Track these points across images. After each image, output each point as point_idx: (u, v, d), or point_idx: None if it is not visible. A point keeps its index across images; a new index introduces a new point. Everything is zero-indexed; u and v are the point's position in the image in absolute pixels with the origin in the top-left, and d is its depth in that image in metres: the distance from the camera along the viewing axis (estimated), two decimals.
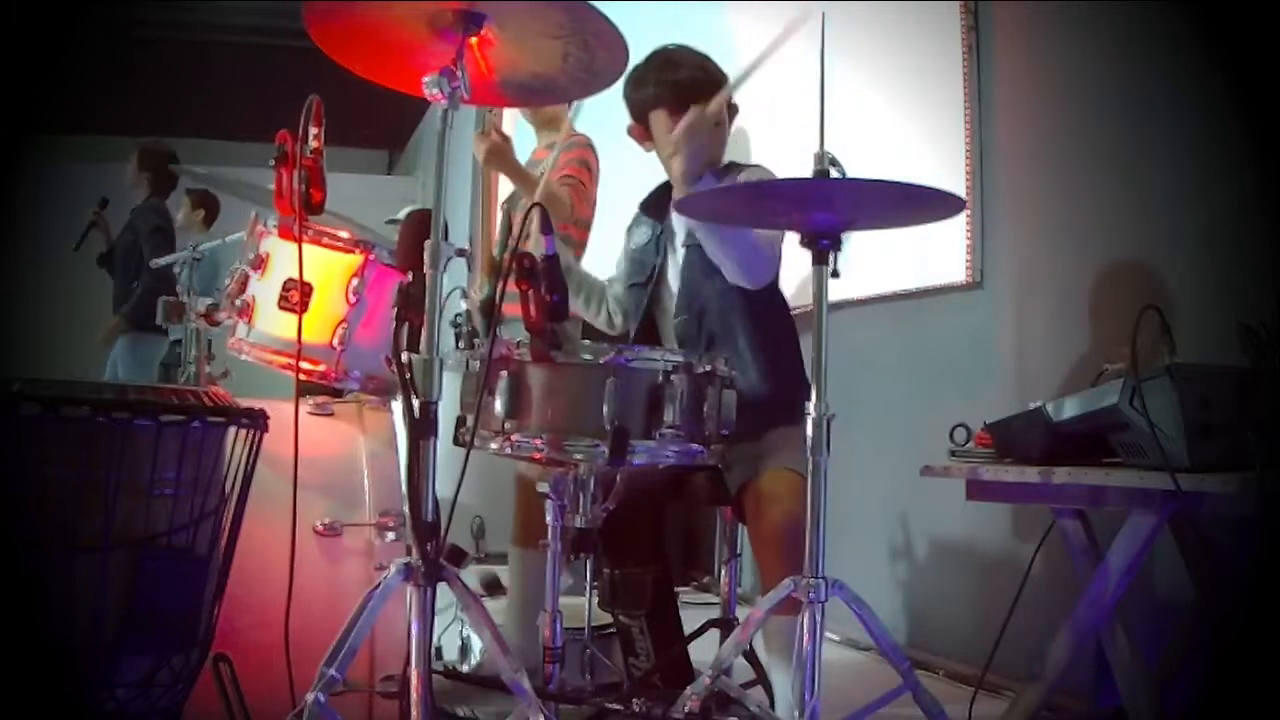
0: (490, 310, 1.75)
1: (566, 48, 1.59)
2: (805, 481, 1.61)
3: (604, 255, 3.51)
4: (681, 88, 2.10)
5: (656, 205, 2.29)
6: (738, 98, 2.15)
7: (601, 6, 1.50)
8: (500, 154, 2.94)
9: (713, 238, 2.00)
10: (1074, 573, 2.04)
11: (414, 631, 1.43)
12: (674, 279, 2.23)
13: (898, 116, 3.17)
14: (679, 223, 2.23)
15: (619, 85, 1.95)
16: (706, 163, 2.04)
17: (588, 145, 3.24)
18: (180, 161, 5.12)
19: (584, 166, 3.22)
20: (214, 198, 5.18)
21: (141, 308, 4.81)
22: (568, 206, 3.09)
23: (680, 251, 2.22)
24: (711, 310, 2.13)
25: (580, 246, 3.21)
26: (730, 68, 2.17)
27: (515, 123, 3.76)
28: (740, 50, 3.80)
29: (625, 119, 2.24)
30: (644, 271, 2.28)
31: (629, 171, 2.40)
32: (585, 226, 3.25)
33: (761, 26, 3.78)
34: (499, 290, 1.65)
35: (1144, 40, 2.39)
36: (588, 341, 1.84)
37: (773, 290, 2.16)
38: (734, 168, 2.22)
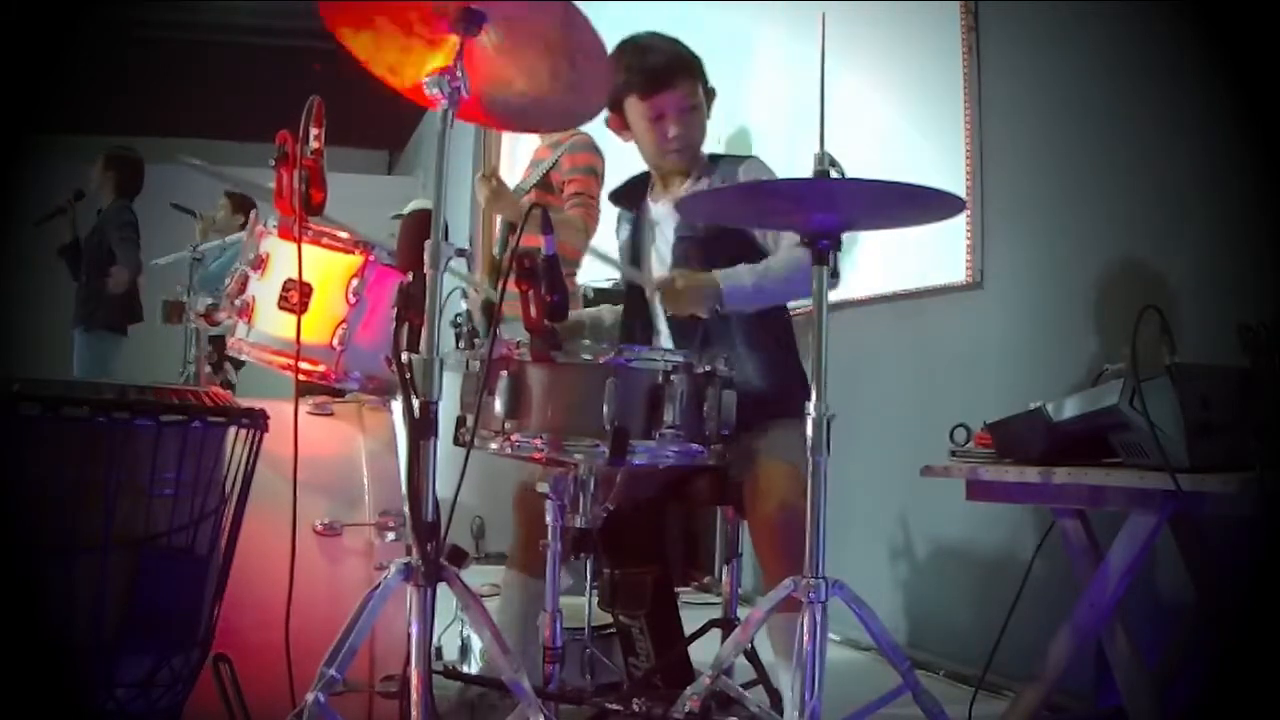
0: (492, 310, 1.75)
1: (556, 65, 1.59)
2: (801, 473, 1.61)
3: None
4: (653, 72, 2.10)
5: (628, 195, 2.30)
6: (742, 95, 2.15)
7: (604, 8, 1.50)
8: (502, 198, 2.92)
9: (785, 290, 2.02)
10: (1074, 573, 2.04)
11: (414, 631, 1.43)
12: (658, 267, 2.22)
13: (898, 116, 3.17)
14: (664, 213, 2.22)
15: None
16: (692, 158, 2.10)
17: (591, 146, 3.21)
18: (145, 172, 5.19)
19: (591, 174, 3.17)
20: (252, 201, 5.20)
21: (104, 307, 4.87)
22: (582, 230, 3.05)
23: (669, 242, 2.20)
24: None
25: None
26: (736, 67, 2.18)
27: None
28: (749, 48, 3.80)
29: None
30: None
31: (630, 169, 2.39)
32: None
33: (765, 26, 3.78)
34: (500, 290, 1.65)
35: (1143, 40, 2.38)
36: (588, 342, 1.84)
37: None
38: (726, 160, 2.22)
